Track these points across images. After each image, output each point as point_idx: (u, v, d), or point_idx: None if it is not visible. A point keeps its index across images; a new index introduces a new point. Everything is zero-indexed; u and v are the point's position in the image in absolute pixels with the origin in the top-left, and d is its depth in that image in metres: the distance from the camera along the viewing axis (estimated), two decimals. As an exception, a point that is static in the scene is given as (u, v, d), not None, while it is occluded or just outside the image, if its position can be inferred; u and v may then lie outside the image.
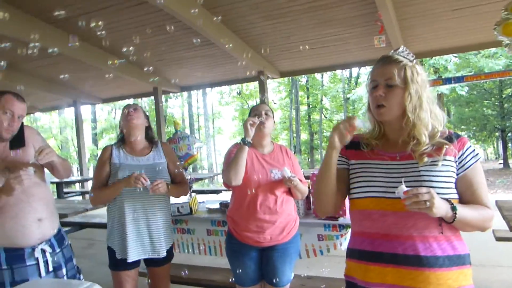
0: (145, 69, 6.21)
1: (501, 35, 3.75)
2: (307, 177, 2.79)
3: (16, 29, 5.29)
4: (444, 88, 13.42)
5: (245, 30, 6.19)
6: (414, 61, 1.46)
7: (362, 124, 1.44)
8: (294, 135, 25.85)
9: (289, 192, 2.44)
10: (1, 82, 7.73)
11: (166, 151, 2.61)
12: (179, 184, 2.57)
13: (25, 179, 1.90)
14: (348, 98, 22.79)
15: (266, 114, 2.43)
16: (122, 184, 2.33)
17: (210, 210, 3.44)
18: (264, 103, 2.53)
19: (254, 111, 2.46)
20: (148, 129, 2.59)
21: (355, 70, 23.91)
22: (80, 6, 5.24)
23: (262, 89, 7.48)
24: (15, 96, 2.09)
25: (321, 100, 25.96)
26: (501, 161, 19.16)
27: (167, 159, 2.57)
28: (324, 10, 5.46)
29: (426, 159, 1.37)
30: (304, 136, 27.21)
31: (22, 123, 2.16)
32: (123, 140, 2.56)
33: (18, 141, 2.09)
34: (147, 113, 2.62)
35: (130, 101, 10.61)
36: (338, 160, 1.54)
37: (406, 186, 1.25)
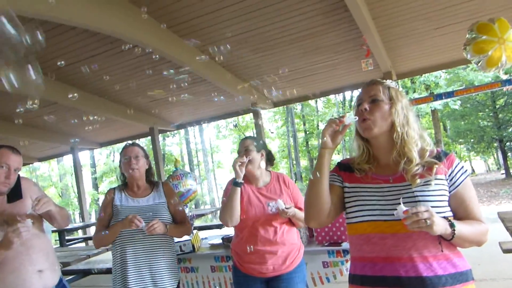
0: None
1: (473, 54, 3.89)
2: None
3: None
4: (437, 104, 13.57)
5: (235, 65, 6.33)
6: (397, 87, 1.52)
7: (351, 119, 1.46)
8: (294, 162, 25.85)
9: (290, 221, 2.42)
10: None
11: (166, 191, 2.61)
12: (180, 224, 2.55)
13: (24, 232, 1.90)
14: (343, 122, 22.94)
15: (246, 150, 2.43)
16: (119, 227, 2.33)
17: (213, 246, 3.40)
18: (246, 138, 2.53)
19: (238, 150, 2.49)
20: (148, 170, 2.61)
21: (348, 94, 24.23)
22: (71, 55, 5.38)
23: (257, 121, 7.55)
24: (11, 150, 2.12)
25: (318, 125, 26.14)
26: (503, 171, 19.10)
27: (167, 199, 2.56)
28: (310, 39, 5.60)
29: (418, 180, 1.38)
30: (304, 162, 27.21)
31: (19, 175, 2.18)
32: (125, 183, 2.58)
33: (15, 194, 2.10)
34: (147, 154, 2.62)
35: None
36: (332, 177, 1.55)
37: (407, 208, 1.25)
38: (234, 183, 2.29)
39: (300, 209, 2.41)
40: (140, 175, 2.52)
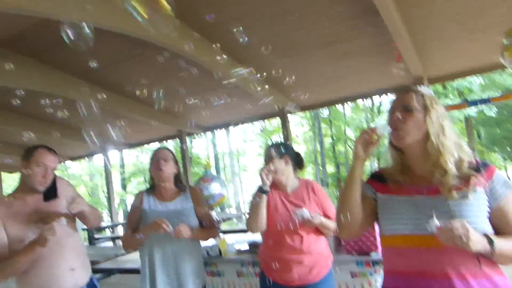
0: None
1: (510, 60, 3.76)
2: (336, 211, 2.73)
3: (47, 84, 5.61)
4: (471, 111, 13.13)
5: (263, 70, 6.32)
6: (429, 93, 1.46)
7: (383, 129, 1.44)
8: (320, 168, 25.61)
9: (318, 230, 2.39)
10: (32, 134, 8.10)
11: (193, 195, 2.63)
12: (206, 227, 2.58)
13: (58, 229, 1.96)
14: (372, 127, 22.56)
15: (270, 158, 2.42)
16: (147, 230, 2.37)
17: (239, 252, 3.40)
18: (272, 145, 2.52)
19: (265, 157, 2.48)
20: (177, 175, 2.64)
21: (377, 99, 23.83)
22: (105, 57, 5.53)
23: (285, 125, 7.53)
24: (48, 150, 2.20)
25: (345, 131, 25.81)
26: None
27: (194, 203, 2.59)
28: (338, 44, 5.55)
29: (455, 193, 1.31)
30: (330, 168, 26.90)
31: (55, 175, 2.25)
32: (153, 187, 2.61)
33: (51, 193, 2.18)
34: (176, 158, 2.67)
35: (156, 144, 10.83)
36: (365, 187, 1.52)
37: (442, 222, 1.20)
38: (260, 189, 2.28)
39: (328, 217, 2.38)
40: (168, 177, 2.56)
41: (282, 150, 2.45)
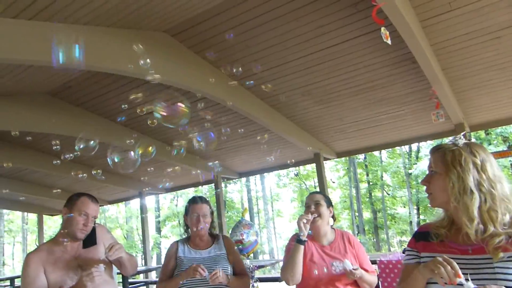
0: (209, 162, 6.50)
1: None
2: (373, 262, 2.62)
3: (91, 131, 5.90)
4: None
5: (298, 116, 6.40)
6: (461, 143, 1.39)
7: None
8: (356, 214, 24.86)
9: (355, 283, 2.28)
10: (74, 177, 8.44)
11: (226, 244, 2.66)
12: (240, 276, 2.55)
13: (96, 276, 1.98)
14: (410, 173, 21.91)
15: (316, 204, 2.37)
16: (183, 276, 2.38)
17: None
18: (316, 192, 2.48)
19: (306, 203, 2.43)
20: (211, 224, 2.66)
21: (415, 144, 23.28)
22: (138, 102, 5.78)
23: (320, 171, 7.46)
24: (90, 199, 2.27)
25: (382, 176, 25.18)
26: None
27: (227, 251, 2.60)
28: (374, 91, 5.56)
29: (501, 254, 1.21)
30: (366, 214, 26.05)
31: (94, 222, 2.31)
32: (189, 237, 2.66)
33: (90, 240, 2.23)
34: (212, 209, 2.70)
35: (191, 189, 10.92)
36: (409, 255, 1.46)
37: (478, 285, 1.13)
38: (297, 240, 2.22)
39: (366, 270, 2.27)
40: (205, 231, 2.61)
41: (326, 199, 2.41)
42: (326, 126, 6.80)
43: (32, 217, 21.92)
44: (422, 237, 1.47)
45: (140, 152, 2.23)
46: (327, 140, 7.47)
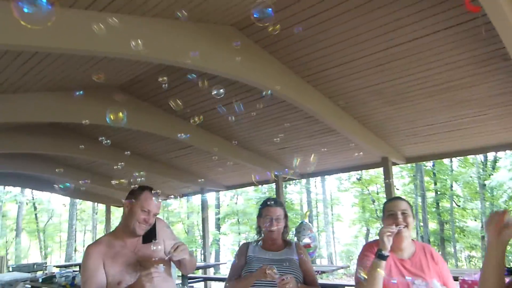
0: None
1: None
2: (455, 278, 2.30)
3: (157, 126, 6.03)
4: None
5: (366, 116, 6.03)
6: None
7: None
8: (421, 224, 23.46)
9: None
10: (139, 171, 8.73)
11: (299, 251, 2.53)
12: (310, 286, 2.37)
13: (155, 277, 1.90)
14: (485, 185, 20.20)
15: (403, 214, 2.08)
16: (254, 277, 2.29)
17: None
18: (401, 198, 2.19)
19: (389, 211, 2.13)
20: (284, 228, 2.53)
21: (490, 153, 21.43)
22: (206, 103, 5.81)
23: (388, 176, 7.01)
24: (153, 195, 2.18)
25: (451, 186, 23.51)
26: None
27: (299, 258, 2.47)
28: (455, 91, 5.06)
29: None
30: (432, 225, 24.47)
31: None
32: (260, 239, 2.60)
33: (150, 235, 2.16)
34: (287, 213, 2.58)
35: (251, 188, 10.86)
36: None
37: None
38: (379, 255, 1.94)
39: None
40: (278, 235, 2.51)
41: (409, 207, 2.12)
42: (396, 129, 6.35)
43: (101, 207, 23.31)
44: None
45: (112, 118, 2.11)
46: (396, 144, 6.99)
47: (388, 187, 7.06)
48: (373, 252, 2.03)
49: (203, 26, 3.94)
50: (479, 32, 4.01)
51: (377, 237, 2.03)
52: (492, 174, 19.80)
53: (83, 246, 28.27)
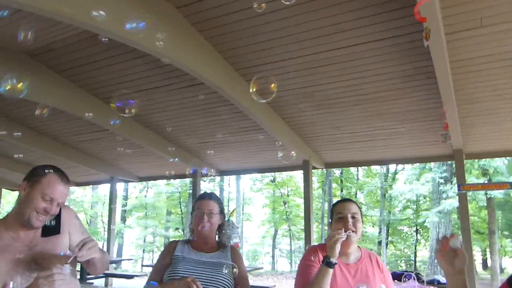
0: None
1: None
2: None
3: (70, 104, 5.37)
4: (497, 192, 12.59)
5: (293, 118, 6.03)
6: None
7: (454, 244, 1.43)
8: (326, 228, 24.72)
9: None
10: (43, 152, 7.80)
11: (234, 254, 2.21)
12: None
13: (58, 279, 1.50)
14: (385, 194, 21.97)
15: (353, 217, 1.97)
16: (174, 285, 1.91)
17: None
18: (351, 200, 2.07)
19: (338, 214, 2.00)
20: (220, 227, 2.22)
21: (392, 166, 23.31)
22: (133, 83, 5.31)
23: (307, 179, 7.11)
24: (60, 177, 1.74)
25: (356, 193, 25.17)
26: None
27: (233, 262, 2.15)
28: (379, 102, 5.26)
29: None
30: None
31: (59, 205, 1.80)
32: (191, 239, 2.24)
33: (53, 227, 1.72)
34: (223, 210, 2.25)
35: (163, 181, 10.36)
36: None
37: None
38: (326, 262, 1.78)
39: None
40: (210, 232, 2.16)
41: (359, 211, 1.99)
42: (320, 134, 6.46)
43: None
44: None
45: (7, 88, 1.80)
46: (318, 148, 7.13)
47: (308, 190, 7.16)
48: (317, 257, 1.89)
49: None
50: (411, 47, 4.18)
51: (318, 242, 1.89)
52: (392, 185, 21.54)
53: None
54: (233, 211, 3.44)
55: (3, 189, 11.99)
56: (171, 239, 2.19)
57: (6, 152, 8.73)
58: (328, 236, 1.83)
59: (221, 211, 2.22)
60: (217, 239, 2.24)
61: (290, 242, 26.47)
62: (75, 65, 5.04)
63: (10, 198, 18.17)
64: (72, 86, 5.52)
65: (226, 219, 3.31)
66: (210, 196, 2.23)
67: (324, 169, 23.06)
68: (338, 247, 1.77)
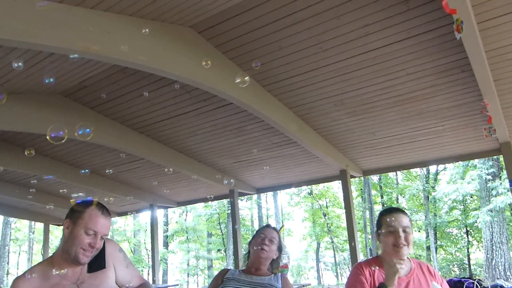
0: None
1: None
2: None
3: (106, 137, 5.50)
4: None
5: (326, 128, 5.90)
6: None
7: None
8: (369, 237, 23.99)
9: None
10: (84, 188, 8.02)
11: (284, 282, 2.22)
12: None
13: None
14: (428, 197, 21.10)
15: (404, 231, 1.84)
16: None
17: None
18: (402, 211, 1.94)
19: (389, 227, 1.86)
20: (275, 261, 2.31)
21: (432, 167, 22.45)
22: (161, 113, 5.41)
23: (346, 188, 6.91)
24: (101, 210, 1.73)
25: (397, 199, 24.38)
26: None
27: None
28: (415, 102, 5.06)
29: None
30: (381, 238, 25.12)
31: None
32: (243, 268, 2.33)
33: (98, 262, 1.71)
34: (281, 246, 2.28)
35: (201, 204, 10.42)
36: None
37: None
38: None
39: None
40: (266, 259, 2.23)
41: (410, 224, 1.87)
42: (356, 141, 6.28)
43: (39, 226, 21.52)
44: None
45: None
46: (355, 156, 6.94)
47: (348, 200, 6.96)
48: (364, 276, 1.78)
49: (160, 24, 3.59)
50: (441, 42, 4.02)
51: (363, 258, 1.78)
52: (434, 187, 20.73)
53: (17, 269, 25.95)
54: (281, 228, 3.37)
55: (50, 225, 12.39)
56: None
57: (51, 189, 9.05)
58: (388, 263, 1.71)
59: (279, 248, 2.31)
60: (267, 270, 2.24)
61: (334, 254, 25.85)
62: (107, 99, 5.18)
63: (58, 233, 18.76)
64: (106, 120, 5.67)
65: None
66: (274, 228, 2.38)
67: (362, 177, 22.57)
68: (397, 278, 1.66)
